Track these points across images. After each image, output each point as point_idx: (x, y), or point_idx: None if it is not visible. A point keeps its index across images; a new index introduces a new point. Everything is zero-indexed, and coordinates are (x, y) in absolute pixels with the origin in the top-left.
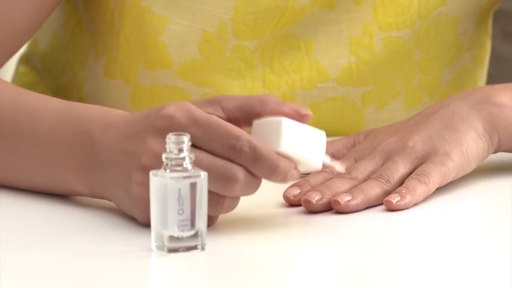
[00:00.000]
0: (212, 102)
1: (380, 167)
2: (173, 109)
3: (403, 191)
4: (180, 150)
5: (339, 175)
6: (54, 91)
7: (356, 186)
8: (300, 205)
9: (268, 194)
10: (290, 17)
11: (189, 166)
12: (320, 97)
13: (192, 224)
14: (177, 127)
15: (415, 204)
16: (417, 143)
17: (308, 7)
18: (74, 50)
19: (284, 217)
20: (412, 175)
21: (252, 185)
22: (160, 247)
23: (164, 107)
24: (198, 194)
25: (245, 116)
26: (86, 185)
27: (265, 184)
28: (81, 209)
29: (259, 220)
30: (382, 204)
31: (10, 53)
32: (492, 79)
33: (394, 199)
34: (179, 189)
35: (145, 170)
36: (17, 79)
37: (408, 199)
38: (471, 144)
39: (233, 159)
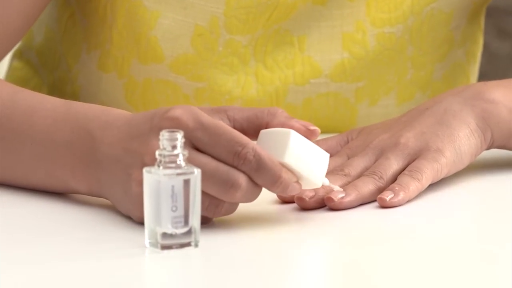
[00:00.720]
0: (219, 111)
1: (373, 164)
2: (180, 112)
3: (396, 188)
4: (174, 147)
5: (332, 172)
6: (49, 86)
7: (349, 182)
8: (293, 202)
9: (262, 191)
10: (283, 12)
11: (183, 163)
12: (313, 92)
13: (186, 221)
14: (183, 130)
15: (408, 201)
16: (410, 139)
17: (301, 2)
18: (68, 44)
19: (278, 214)
20: (405, 171)
21: (253, 193)
22: (154, 244)
23: (170, 109)
24: (192, 191)
25: (252, 127)
26: (84, 183)
27: None
28: (75, 206)
29: (253, 217)
30: (375, 201)
31: (6, 51)
32: (486, 76)
33: (388, 196)
34: (173, 186)
35: None
36: (11, 74)
37: (401, 196)
38: (463, 140)
39: (236, 166)
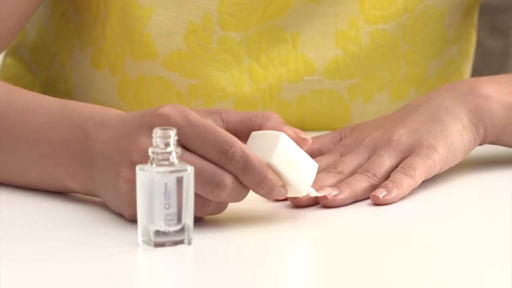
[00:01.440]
0: (213, 113)
1: (366, 161)
2: (169, 109)
3: (390, 185)
4: (167, 145)
5: (325, 169)
6: (42, 83)
7: (342, 180)
8: (285, 200)
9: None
10: (276, 8)
11: (176, 161)
12: (306, 90)
13: (179, 218)
14: (172, 127)
15: (401, 198)
16: (402, 136)
17: None
18: (61, 41)
19: (270, 211)
20: (398, 168)
21: (239, 193)
22: (147, 242)
23: (160, 107)
24: (185, 189)
25: (245, 129)
26: (78, 182)
27: None
28: (67, 205)
29: (246, 214)
30: (368, 198)
31: (1, 50)
32: (479, 73)
33: (381, 193)
34: (166, 184)
35: (134, 167)
36: (3, 71)
37: (394, 193)
38: (456, 136)
39: (223, 165)
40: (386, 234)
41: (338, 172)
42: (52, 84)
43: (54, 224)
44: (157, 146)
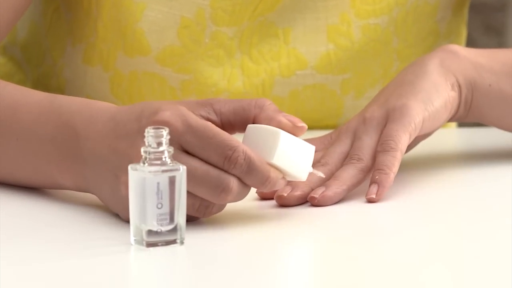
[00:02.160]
0: (204, 105)
1: (350, 147)
2: (169, 115)
3: (377, 176)
4: (159, 144)
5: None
6: (34, 81)
7: (329, 170)
8: (273, 199)
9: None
10: (268, 4)
11: (168, 160)
12: (299, 84)
13: (171, 218)
14: (173, 134)
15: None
16: (374, 111)
17: None
18: (53, 38)
19: (262, 210)
20: (378, 146)
21: (242, 194)
22: (139, 241)
23: (159, 111)
24: (177, 188)
25: (239, 120)
26: (70, 179)
27: None
28: (60, 204)
29: (238, 214)
30: (361, 196)
31: None
32: None
33: (374, 193)
34: (158, 183)
35: None
36: None
37: (386, 181)
38: (429, 89)
39: (227, 170)
40: (379, 232)
41: (322, 165)
42: (44, 81)
43: (46, 223)
44: (150, 146)
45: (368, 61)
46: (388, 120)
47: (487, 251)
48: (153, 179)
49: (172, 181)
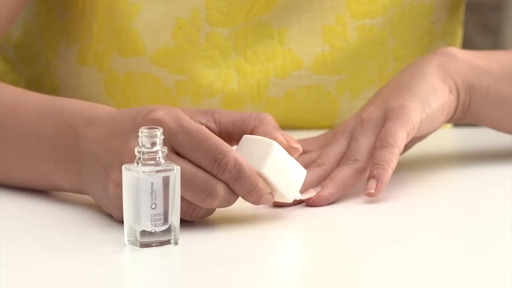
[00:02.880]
0: (205, 113)
1: (346, 148)
2: (163, 114)
3: (375, 171)
4: (153, 144)
5: (306, 167)
6: (27, 81)
7: (325, 171)
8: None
9: None
10: (264, 4)
11: (162, 160)
12: (294, 85)
13: (165, 218)
14: (165, 132)
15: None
16: (372, 112)
17: None
18: (47, 38)
19: (257, 211)
20: (377, 142)
21: (230, 200)
22: (133, 242)
23: (153, 110)
24: (171, 188)
25: (237, 131)
26: (67, 179)
27: None
28: (54, 204)
29: (232, 214)
30: (357, 195)
31: None
32: None
33: (373, 187)
34: (152, 183)
35: None
36: None
37: (384, 176)
38: (427, 91)
39: (215, 174)
40: (372, 234)
41: (318, 165)
42: (38, 82)
43: (40, 224)
44: (143, 146)
45: (364, 62)
46: (386, 119)
47: (486, 251)
48: (147, 179)
49: (166, 182)
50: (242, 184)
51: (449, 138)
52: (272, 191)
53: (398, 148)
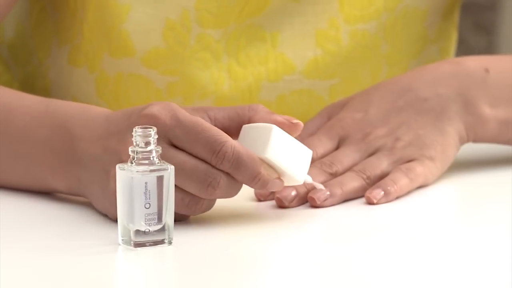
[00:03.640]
0: (199, 110)
1: (363, 159)
2: (157, 109)
3: (389, 187)
4: (147, 144)
5: (320, 166)
6: (20, 81)
7: (335, 176)
8: (272, 199)
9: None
10: (255, 6)
11: (156, 160)
12: (286, 89)
13: (159, 218)
14: (161, 127)
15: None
16: (407, 147)
17: None
18: (39, 38)
19: (253, 210)
20: (401, 167)
21: (233, 189)
22: (127, 242)
23: (148, 106)
24: (165, 188)
25: (234, 125)
26: (63, 181)
27: None
28: (48, 204)
29: (227, 213)
30: (356, 198)
31: None
32: None
33: (378, 196)
34: (146, 183)
35: None
36: None
37: (391, 193)
38: (451, 150)
39: (215, 165)
40: (374, 232)
41: (331, 174)
42: (30, 82)
43: (34, 223)
44: (137, 145)
45: (357, 66)
46: (415, 160)
47: (486, 251)
48: (141, 179)
49: (160, 181)
50: (243, 172)
51: None
52: (280, 175)
53: (412, 185)
